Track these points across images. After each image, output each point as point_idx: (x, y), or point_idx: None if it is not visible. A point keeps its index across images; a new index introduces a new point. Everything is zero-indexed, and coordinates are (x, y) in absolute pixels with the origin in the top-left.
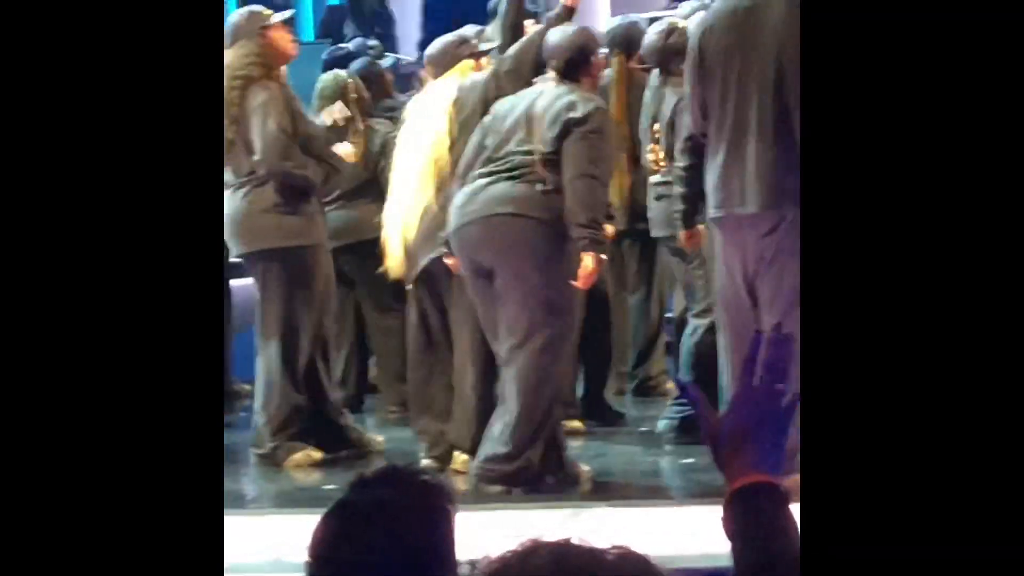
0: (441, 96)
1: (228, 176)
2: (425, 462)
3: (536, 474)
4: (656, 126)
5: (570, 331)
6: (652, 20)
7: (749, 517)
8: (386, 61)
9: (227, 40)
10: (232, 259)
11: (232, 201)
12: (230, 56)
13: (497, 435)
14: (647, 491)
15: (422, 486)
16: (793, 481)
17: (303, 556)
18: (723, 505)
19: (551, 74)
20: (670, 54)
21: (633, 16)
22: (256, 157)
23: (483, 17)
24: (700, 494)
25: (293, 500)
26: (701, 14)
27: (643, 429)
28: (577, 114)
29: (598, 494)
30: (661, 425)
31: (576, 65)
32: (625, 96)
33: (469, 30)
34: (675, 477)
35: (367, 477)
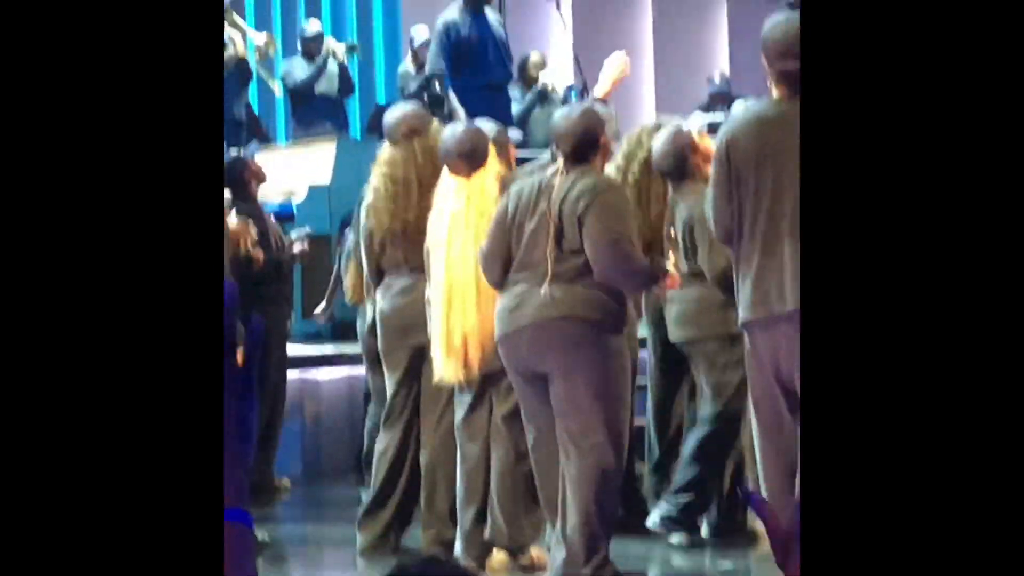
0: (486, 195)
1: (400, 258)
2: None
3: (613, 572)
4: (672, 231)
5: (627, 426)
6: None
7: None
8: None
9: (411, 127)
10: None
11: (411, 291)
12: (423, 143)
13: (568, 539)
14: None
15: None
16: None
17: None
18: None
19: (560, 159)
20: (680, 160)
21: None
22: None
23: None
24: None
25: None
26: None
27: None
28: (588, 200)
29: None
30: (656, 516)
31: (584, 148)
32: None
33: (486, 124)
34: None
35: (408, 565)
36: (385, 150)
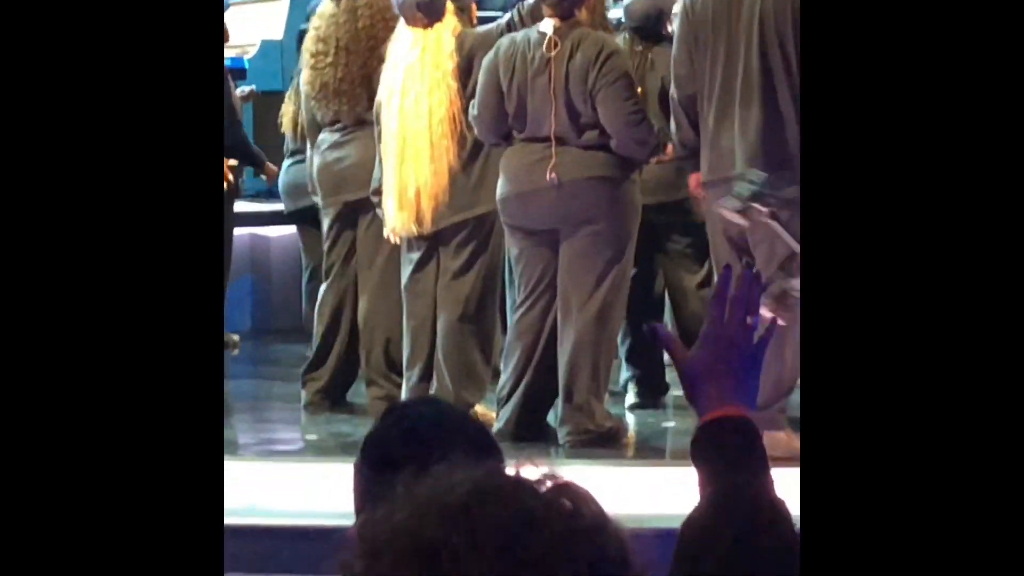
0: (442, 49)
1: (330, 117)
2: None
3: (617, 426)
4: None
5: (627, 281)
6: None
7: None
8: None
9: None
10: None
11: (340, 147)
12: (354, 2)
13: (573, 397)
14: (636, 451)
15: (462, 412)
16: (784, 435)
17: (278, 502)
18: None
19: (547, 12)
20: (654, 18)
21: None
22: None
23: None
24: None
25: (273, 449)
26: None
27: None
28: (595, 75)
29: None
30: (630, 397)
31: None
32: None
33: None
34: (659, 439)
35: (406, 404)
36: (322, 4)
